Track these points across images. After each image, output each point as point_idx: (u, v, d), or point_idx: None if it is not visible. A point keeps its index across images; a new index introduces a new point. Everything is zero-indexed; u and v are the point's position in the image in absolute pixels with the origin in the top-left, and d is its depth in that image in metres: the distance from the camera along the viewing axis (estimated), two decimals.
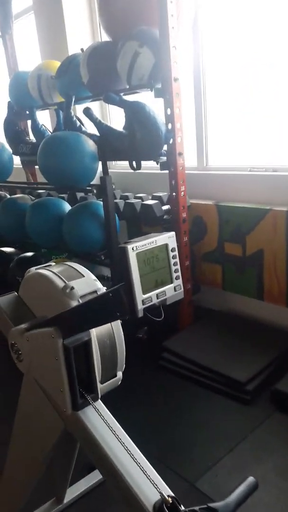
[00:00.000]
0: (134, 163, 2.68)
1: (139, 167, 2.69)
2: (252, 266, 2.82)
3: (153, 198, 3.02)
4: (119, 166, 3.92)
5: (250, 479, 1.20)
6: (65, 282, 1.23)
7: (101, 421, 1.15)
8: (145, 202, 2.92)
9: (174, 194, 2.80)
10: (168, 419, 2.27)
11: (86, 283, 1.27)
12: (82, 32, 3.89)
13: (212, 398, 2.41)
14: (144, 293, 1.75)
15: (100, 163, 2.79)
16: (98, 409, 1.17)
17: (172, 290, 1.84)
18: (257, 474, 1.84)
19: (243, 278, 2.89)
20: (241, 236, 2.83)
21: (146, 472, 1.08)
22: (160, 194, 3.01)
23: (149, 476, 1.07)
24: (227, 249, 2.94)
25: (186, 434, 2.16)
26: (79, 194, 3.53)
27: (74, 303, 1.19)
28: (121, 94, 2.74)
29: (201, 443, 2.09)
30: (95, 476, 1.85)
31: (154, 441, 2.10)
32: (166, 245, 1.88)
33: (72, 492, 1.80)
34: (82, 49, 2.95)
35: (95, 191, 2.64)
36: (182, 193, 2.80)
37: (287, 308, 2.72)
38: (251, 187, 2.85)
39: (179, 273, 1.89)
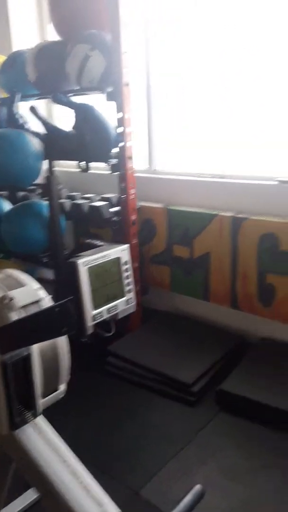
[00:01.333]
0: (83, 163, 2.64)
1: (87, 168, 2.65)
2: (199, 268, 2.86)
3: (102, 199, 2.97)
4: (66, 165, 3.83)
5: (197, 487, 1.20)
6: (4, 292, 1.17)
7: (40, 440, 1.10)
8: (93, 204, 2.87)
9: (123, 196, 2.78)
10: (113, 426, 2.25)
11: (28, 293, 1.21)
12: (28, 29, 3.73)
13: (158, 401, 2.41)
14: (95, 308, 1.69)
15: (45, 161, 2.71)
16: (37, 426, 1.13)
17: (124, 304, 1.80)
18: (202, 477, 1.86)
19: (191, 280, 2.93)
20: (189, 239, 2.86)
21: (90, 490, 1.05)
22: (110, 195, 2.96)
23: (93, 494, 1.04)
24: (176, 251, 2.96)
25: (132, 440, 2.15)
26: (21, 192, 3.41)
27: (14, 315, 1.14)
28: (71, 94, 2.68)
29: (146, 448, 2.09)
30: (31, 495, 1.75)
31: (97, 450, 2.07)
32: (118, 259, 1.82)
33: None
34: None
35: (40, 191, 2.57)
36: (132, 196, 2.78)
37: (231, 309, 2.79)
38: (199, 192, 2.89)
39: (132, 286, 1.85)
